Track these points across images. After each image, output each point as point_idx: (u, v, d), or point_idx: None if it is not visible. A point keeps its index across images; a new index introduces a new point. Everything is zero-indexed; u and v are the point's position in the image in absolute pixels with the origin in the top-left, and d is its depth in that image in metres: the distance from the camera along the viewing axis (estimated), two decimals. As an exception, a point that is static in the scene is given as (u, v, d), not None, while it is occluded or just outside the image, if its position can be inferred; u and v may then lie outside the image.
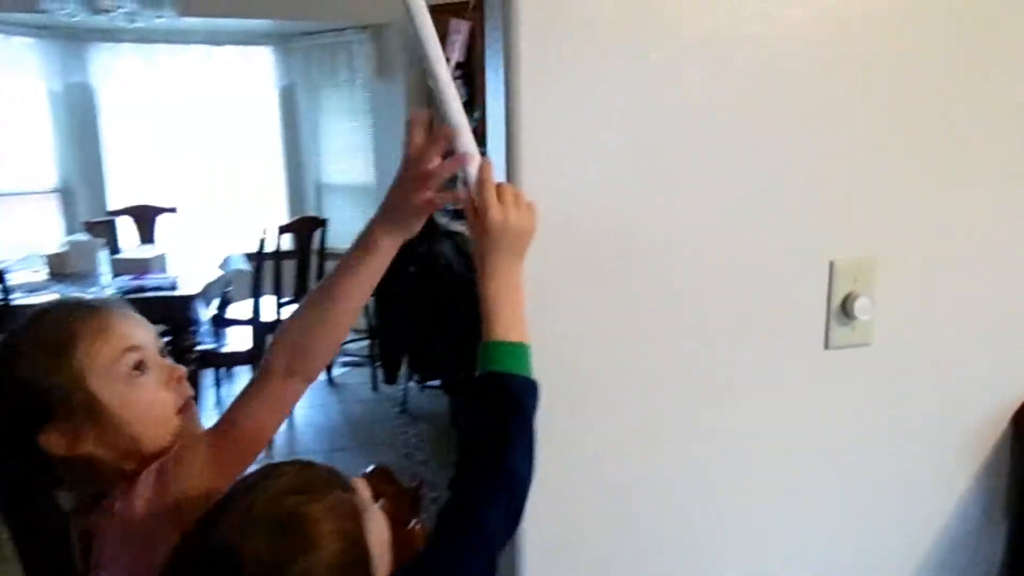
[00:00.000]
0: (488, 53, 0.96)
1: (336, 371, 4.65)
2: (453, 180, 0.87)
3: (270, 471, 0.73)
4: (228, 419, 0.86)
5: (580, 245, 0.95)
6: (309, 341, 0.87)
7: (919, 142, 1.04)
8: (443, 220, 3.51)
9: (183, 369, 0.88)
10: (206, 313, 3.49)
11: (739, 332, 1.02)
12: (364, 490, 0.75)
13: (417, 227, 0.87)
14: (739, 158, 0.98)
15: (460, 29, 4.44)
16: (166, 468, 0.81)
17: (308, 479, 0.71)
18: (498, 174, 0.92)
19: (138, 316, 0.88)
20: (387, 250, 0.87)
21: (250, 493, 0.70)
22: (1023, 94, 1.07)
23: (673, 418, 1.02)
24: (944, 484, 1.15)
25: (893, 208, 1.05)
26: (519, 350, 0.83)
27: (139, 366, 0.83)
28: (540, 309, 0.90)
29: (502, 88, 0.91)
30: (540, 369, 0.83)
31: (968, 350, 1.12)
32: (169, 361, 0.88)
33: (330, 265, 4.52)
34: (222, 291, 4.04)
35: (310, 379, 0.88)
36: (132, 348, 0.84)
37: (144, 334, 0.86)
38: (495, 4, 0.92)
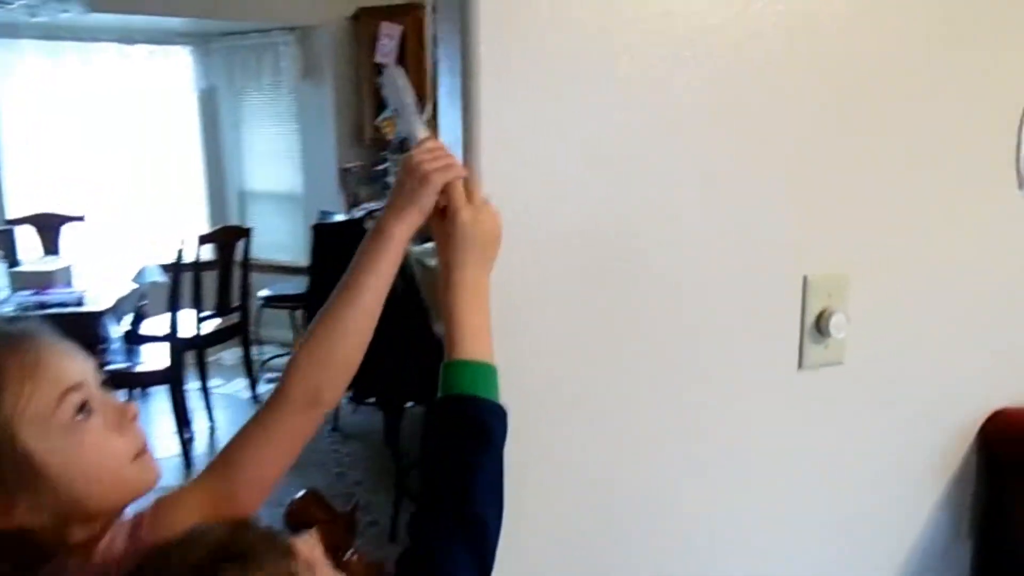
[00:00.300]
0: (443, 56, 0.86)
1: (262, 388, 4.43)
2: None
3: (196, 533, 0.61)
4: (226, 461, 0.74)
5: (545, 258, 0.86)
6: (333, 356, 0.77)
7: (890, 158, 1.01)
8: None
9: (135, 407, 0.72)
10: (117, 330, 3.24)
11: (711, 351, 0.96)
12: (308, 549, 0.64)
13: (429, 205, 0.78)
14: (710, 171, 0.91)
15: (392, 33, 4.32)
16: (140, 528, 0.68)
17: (242, 544, 0.60)
18: None
19: (69, 343, 0.71)
20: (401, 238, 0.78)
21: (171, 558, 0.58)
22: (994, 113, 1.05)
23: (642, 445, 0.94)
24: (914, 501, 1.13)
25: (864, 224, 1.01)
26: (486, 371, 0.75)
27: (83, 408, 0.66)
28: (507, 323, 0.83)
29: (457, 92, 0.81)
30: (507, 387, 0.75)
31: (936, 365, 1.09)
32: (115, 398, 0.72)
33: (255, 276, 4.30)
34: (136, 305, 3.78)
35: (332, 404, 0.78)
36: (72, 388, 0.66)
37: (82, 367, 0.69)
38: (450, 4, 0.83)
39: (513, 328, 0.85)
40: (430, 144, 0.79)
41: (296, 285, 4.27)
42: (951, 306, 1.08)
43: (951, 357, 1.10)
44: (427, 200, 0.77)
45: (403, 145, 4.53)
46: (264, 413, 0.76)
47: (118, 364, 3.30)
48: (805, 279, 0.98)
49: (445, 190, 0.77)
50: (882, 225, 1.02)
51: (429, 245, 3.63)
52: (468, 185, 0.78)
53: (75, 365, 0.69)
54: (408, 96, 0.84)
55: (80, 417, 0.66)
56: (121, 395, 3.88)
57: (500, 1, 0.79)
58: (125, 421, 0.70)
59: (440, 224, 0.78)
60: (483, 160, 0.81)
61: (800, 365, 1.00)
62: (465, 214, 0.76)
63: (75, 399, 0.66)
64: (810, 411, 1.03)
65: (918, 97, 1.01)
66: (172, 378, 3.43)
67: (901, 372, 1.07)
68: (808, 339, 0.99)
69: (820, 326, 0.98)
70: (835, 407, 1.04)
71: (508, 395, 0.76)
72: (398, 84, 0.84)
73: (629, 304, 0.91)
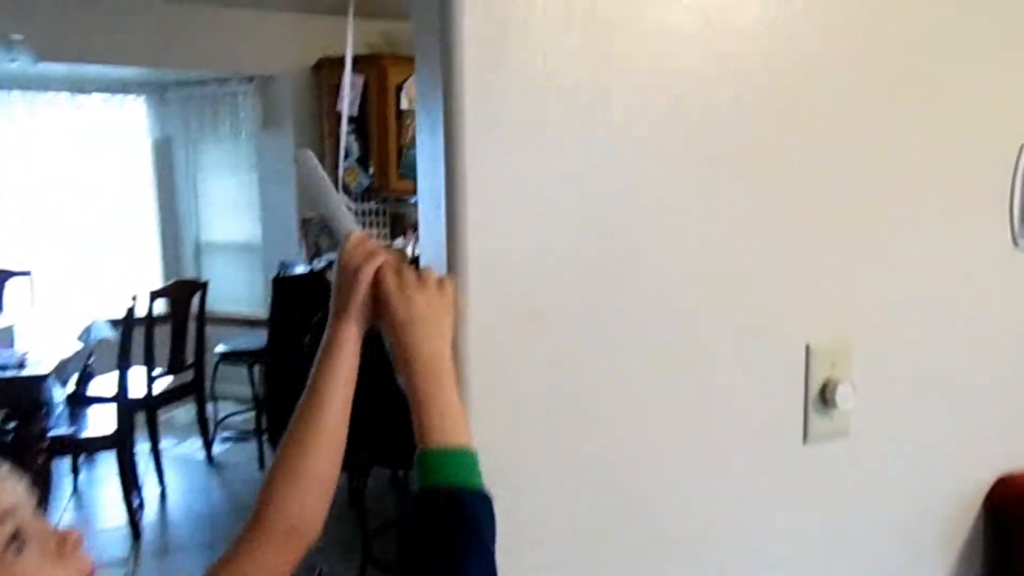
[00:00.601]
0: (423, 112, 0.79)
1: (218, 447, 4.22)
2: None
3: None
4: None
5: (534, 323, 0.79)
6: (307, 484, 0.71)
7: (887, 217, 0.96)
8: None
9: (78, 532, 0.62)
10: (61, 392, 3.05)
11: (711, 427, 0.89)
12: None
13: (367, 300, 0.74)
14: (705, 234, 0.86)
15: (355, 83, 4.27)
16: None
17: None
18: (436, 236, 0.76)
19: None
20: (353, 340, 0.74)
21: None
22: (988, 173, 1.02)
23: (642, 524, 0.86)
24: (922, 573, 1.06)
25: (864, 288, 0.96)
26: (463, 457, 0.68)
27: (15, 538, 0.57)
28: (492, 396, 0.76)
29: (440, 151, 0.75)
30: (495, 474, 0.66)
31: (940, 432, 1.04)
32: (50, 524, 0.62)
33: (212, 330, 4.14)
34: (83, 364, 3.58)
35: (314, 534, 0.72)
36: (1, 517, 0.57)
37: (12, 490, 0.60)
38: (429, 55, 0.76)
39: (498, 401, 0.77)
40: (355, 239, 0.75)
41: (255, 339, 4.12)
42: (953, 370, 1.03)
43: (955, 423, 1.05)
44: (364, 296, 0.73)
45: (352, 196, 4.46)
46: (241, 546, 0.68)
47: (61, 430, 3.09)
48: (808, 347, 0.92)
49: (377, 279, 0.72)
50: (882, 289, 0.97)
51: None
52: (400, 266, 0.73)
53: (4, 488, 0.59)
54: (326, 182, 0.78)
55: (12, 551, 0.56)
56: (65, 462, 3.66)
57: (485, 54, 0.73)
58: (67, 549, 0.60)
59: (383, 313, 0.73)
60: (469, 219, 0.74)
61: (805, 439, 0.93)
62: (396, 300, 0.71)
63: (5, 531, 0.56)
64: (815, 485, 0.96)
65: (913, 160, 0.97)
66: (120, 442, 3.23)
67: (906, 441, 1.01)
68: (813, 411, 0.93)
69: (825, 397, 0.92)
70: (841, 480, 0.98)
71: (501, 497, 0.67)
72: (311, 167, 0.78)
73: (623, 377, 0.84)
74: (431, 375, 0.70)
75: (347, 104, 4.15)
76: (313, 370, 0.74)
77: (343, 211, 0.77)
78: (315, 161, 0.79)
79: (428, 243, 0.82)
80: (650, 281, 0.84)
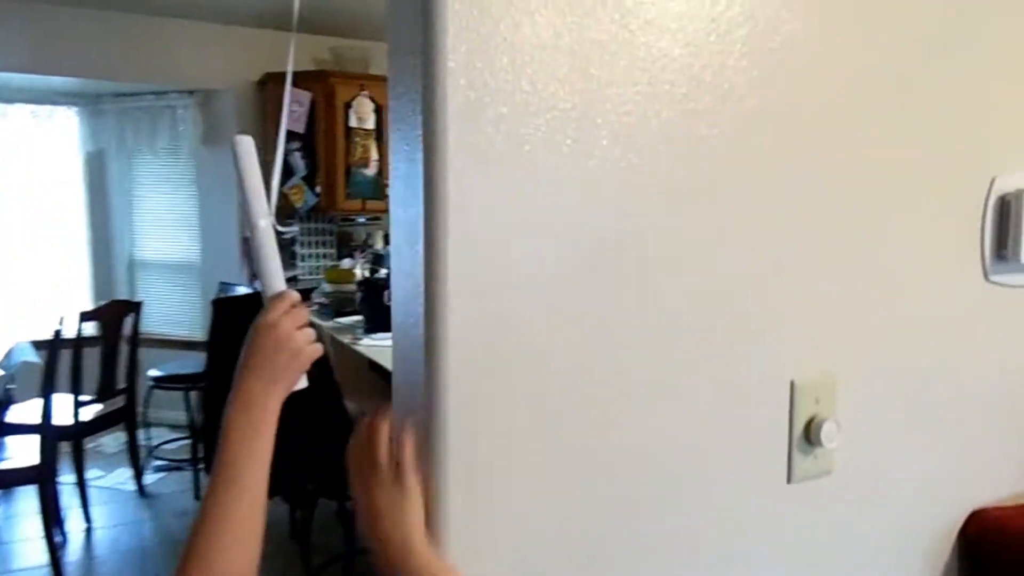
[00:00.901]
0: (398, 137, 0.73)
1: (149, 478, 4.00)
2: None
3: None
4: None
5: (512, 362, 0.73)
6: (231, 539, 0.66)
7: (866, 256, 0.95)
8: None
9: None
10: (-22, 422, 2.83)
11: (695, 467, 0.85)
12: None
13: (298, 379, 0.75)
14: (690, 269, 0.82)
15: (302, 100, 4.18)
16: None
17: None
18: (411, 268, 0.71)
19: None
20: (276, 411, 0.72)
21: None
22: (960, 206, 1.03)
23: (627, 566, 0.81)
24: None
25: (845, 324, 0.94)
26: None
27: None
28: (467, 429, 0.71)
29: (418, 179, 0.69)
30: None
31: (918, 468, 1.03)
32: None
33: (145, 353, 3.94)
34: (3, 390, 3.34)
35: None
36: None
37: None
38: (407, 77, 0.71)
39: (476, 451, 0.71)
40: (289, 301, 0.75)
41: (192, 363, 3.93)
42: (930, 404, 1.03)
43: (932, 457, 1.04)
44: (298, 376, 0.73)
45: (297, 215, 4.34)
46: None
47: (-24, 463, 2.87)
48: (792, 384, 0.89)
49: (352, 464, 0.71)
50: (863, 325, 0.95)
51: (344, 320, 3.43)
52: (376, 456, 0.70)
53: None
54: (256, 177, 0.72)
55: None
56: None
57: (470, 77, 0.68)
58: None
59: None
60: (449, 258, 0.68)
61: (789, 479, 0.91)
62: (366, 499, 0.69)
63: None
64: (799, 525, 0.93)
65: (888, 196, 0.96)
66: (42, 475, 3.01)
67: (886, 477, 1.00)
68: (797, 450, 0.90)
69: (809, 435, 0.90)
70: (824, 518, 0.95)
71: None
72: (245, 160, 0.72)
73: (607, 415, 0.79)
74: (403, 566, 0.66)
75: (285, 117, 4.05)
76: (225, 438, 0.69)
77: (266, 214, 0.71)
78: (252, 152, 0.72)
79: (400, 273, 0.76)
80: (635, 318, 0.79)
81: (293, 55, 1.10)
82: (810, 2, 0.86)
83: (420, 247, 0.70)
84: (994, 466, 1.10)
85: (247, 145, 0.71)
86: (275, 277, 0.74)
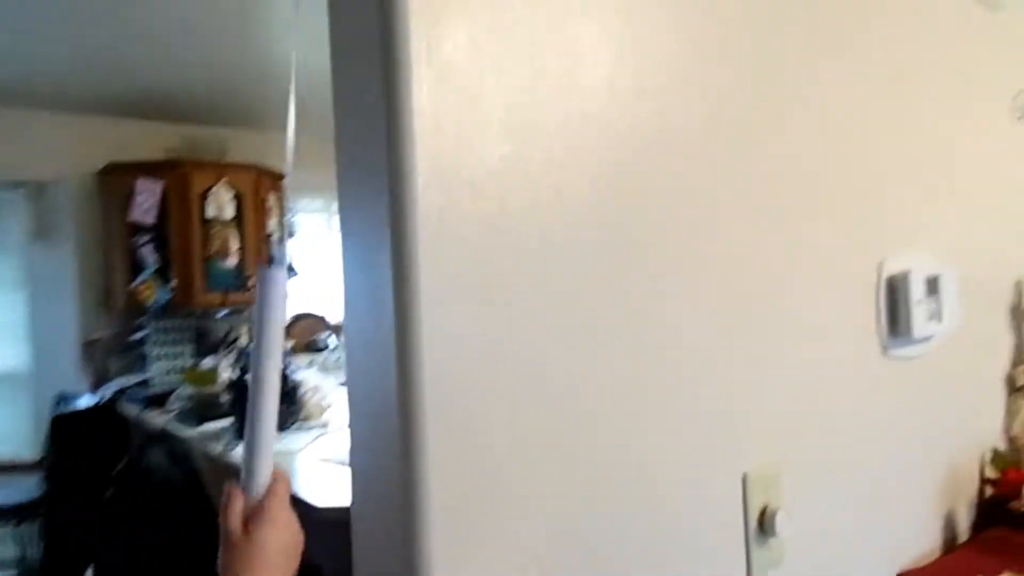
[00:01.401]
0: (348, 247, 0.68)
1: (-33, 633, 3.37)
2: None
3: None
4: None
5: (494, 454, 0.67)
6: None
7: (784, 341, 0.99)
8: (157, 421, 2.83)
9: None
10: None
11: (653, 569, 0.82)
12: None
13: None
14: (644, 374, 0.81)
15: (153, 190, 3.92)
16: None
17: None
18: (375, 383, 0.65)
19: None
20: None
21: None
22: (862, 290, 1.10)
23: None
24: None
25: (784, 412, 0.96)
26: None
27: None
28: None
29: (388, 299, 0.63)
30: None
31: (850, 540, 1.06)
32: None
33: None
34: None
35: None
36: None
37: None
38: (360, 193, 0.66)
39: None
40: (286, 485, 0.65)
41: (24, 489, 3.42)
42: (852, 478, 1.07)
43: (862, 526, 1.07)
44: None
45: (148, 313, 4.01)
46: None
47: None
48: (745, 476, 0.89)
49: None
50: (790, 414, 0.98)
51: (210, 426, 3.14)
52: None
53: None
54: (281, 316, 0.63)
55: None
56: None
57: (438, 194, 0.64)
58: None
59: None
60: (425, 390, 0.62)
61: (749, 573, 0.89)
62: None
63: None
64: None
65: (793, 280, 1.01)
66: None
67: (825, 552, 1.01)
68: (754, 544, 0.89)
69: (764, 525, 0.90)
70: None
71: None
72: (272, 293, 0.63)
73: (565, 513, 0.74)
74: None
75: (138, 211, 3.77)
76: None
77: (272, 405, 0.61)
78: (283, 284, 0.61)
79: (359, 386, 0.69)
80: (583, 425, 0.76)
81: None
82: (707, 93, 0.90)
83: (392, 361, 0.63)
84: (915, 527, 1.16)
85: (278, 276, 0.61)
86: (269, 450, 0.63)
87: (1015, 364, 1.47)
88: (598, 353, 0.76)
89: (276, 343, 0.61)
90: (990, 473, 1.37)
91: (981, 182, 1.39)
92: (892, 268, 1.14)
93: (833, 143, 1.07)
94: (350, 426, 0.70)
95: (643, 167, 0.81)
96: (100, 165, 4.09)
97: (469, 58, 0.67)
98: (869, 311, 1.12)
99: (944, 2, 1.30)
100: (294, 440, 2.79)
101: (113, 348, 4.10)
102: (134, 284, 3.96)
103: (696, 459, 0.85)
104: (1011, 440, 1.44)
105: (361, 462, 0.70)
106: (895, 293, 1.14)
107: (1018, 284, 1.50)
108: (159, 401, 3.52)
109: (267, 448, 0.63)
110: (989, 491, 1.35)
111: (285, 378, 3.07)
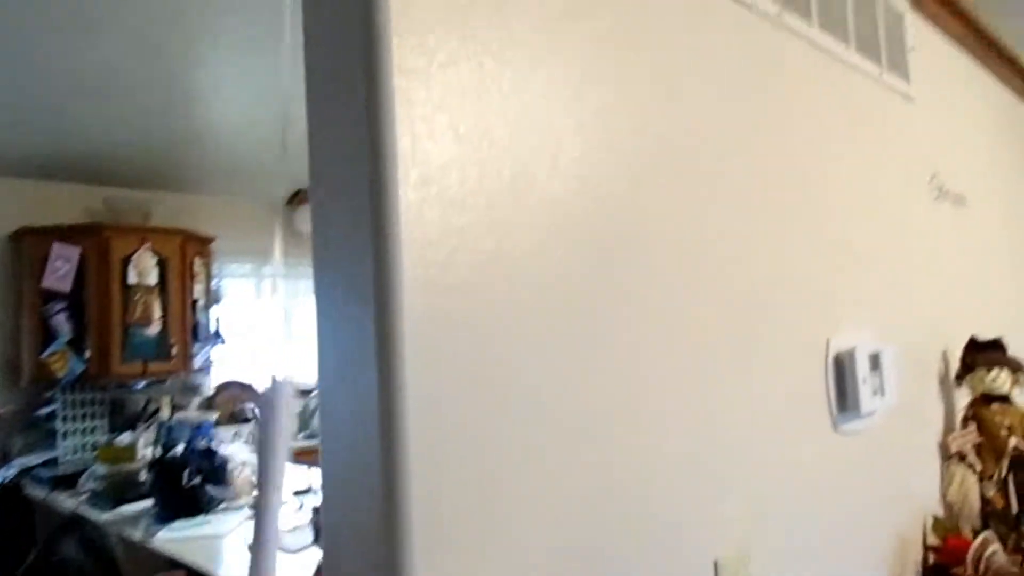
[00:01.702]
0: (324, 319, 0.65)
1: None
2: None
3: None
4: None
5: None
6: None
7: (739, 430, 1.00)
8: (68, 504, 2.59)
9: None
10: None
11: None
12: None
13: None
14: (620, 460, 0.80)
15: (69, 255, 3.72)
16: None
17: None
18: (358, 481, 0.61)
19: None
20: None
21: None
22: (813, 369, 1.13)
23: None
24: None
25: (755, 497, 0.97)
26: None
27: None
28: None
29: (369, 366, 0.61)
30: None
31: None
32: None
33: None
34: None
35: None
36: None
37: None
38: (340, 255, 0.64)
39: None
40: None
41: (-94, 586, 3.08)
42: (814, 559, 1.08)
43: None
44: None
45: (59, 386, 3.77)
46: None
47: None
48: (716, 563, 0.89)
49: None
50: (756, 497, 0.99)
51: (128, 509, 2.91)
52: None
53: None
54: (285, 433, 0.59)
55: None
56: None
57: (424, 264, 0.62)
58: None
59: None
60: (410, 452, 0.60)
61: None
62: None
63: None
64: None
65: (747, 361, 1.04)
66: None
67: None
68: (728, 631, 0.88)
69: (737, 613, 0.89)
70: None
71: None
72: (278, 407, 0.59)
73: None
74: None
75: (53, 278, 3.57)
76: None
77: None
78: (289, 397, 0.58)
79: (333, 473, 0.65)
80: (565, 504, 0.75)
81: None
82: (658, 176, 0.93)
83: (377, 465, 0.60)
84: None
85: (284, 389, 0.56)
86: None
87: (947, 431, 1.54)
88: (573, 450, 0.75)
89: (280, 471, 0.57)
90: (932, 540, 1.41)
91: (908, 259, 1.47)
92: (838, 346, 1.18)
93: (771, 227, 1.11)
94: (323, 479, 0.66)
95: (603, 257, 0.82)
96: (12, 229, 3.87)
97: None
98: (819, 389, 1.15)
99: (865, 93, 1.40)
100: (222, 522, 2.63)
101: (16, 424, 3.80)
102: (44, 355, 3.72)
103: (669, 545, 0.84)
104: (948, 506, 1.49)
105: (334, 518, 0.66)
106: (842, 370, 1.18)
107: (944, 354, 1.58)
108: (69, 482, 3.27)
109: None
110: (932, 558, 1.39)
111: (212, 454, 2.91)
